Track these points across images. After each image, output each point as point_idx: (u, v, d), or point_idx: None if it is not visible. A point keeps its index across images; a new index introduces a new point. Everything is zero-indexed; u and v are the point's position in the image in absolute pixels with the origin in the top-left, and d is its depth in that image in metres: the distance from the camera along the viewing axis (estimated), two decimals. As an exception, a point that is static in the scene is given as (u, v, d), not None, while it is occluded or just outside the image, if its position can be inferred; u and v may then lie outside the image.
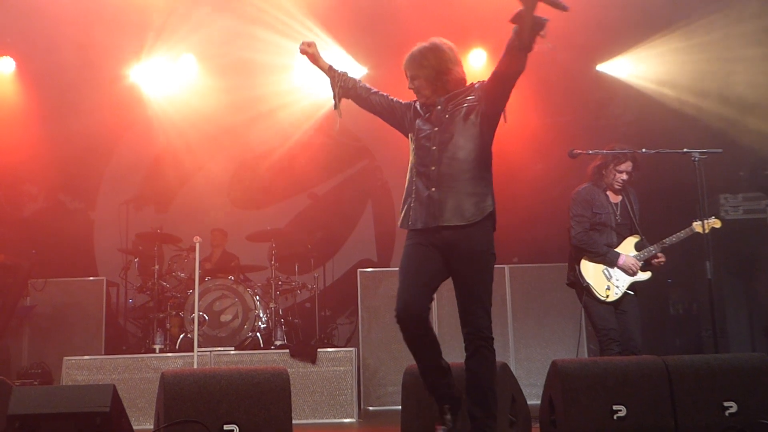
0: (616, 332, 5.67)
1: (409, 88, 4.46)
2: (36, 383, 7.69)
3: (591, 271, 5.81)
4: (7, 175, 9.34)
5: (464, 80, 4.48)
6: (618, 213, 5.91)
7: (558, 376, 4.31)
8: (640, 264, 5.77)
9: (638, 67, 8.84)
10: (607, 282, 5.76)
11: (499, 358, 7.82)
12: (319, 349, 7.37)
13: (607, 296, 5.74)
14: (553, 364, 4.43)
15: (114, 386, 3.54)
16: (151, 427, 6.03)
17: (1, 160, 8.99)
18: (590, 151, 5.85)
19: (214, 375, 3.89)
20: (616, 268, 5.77)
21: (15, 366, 7.96)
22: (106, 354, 8.15)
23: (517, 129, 9.02)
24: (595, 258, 5.83)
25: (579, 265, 5.85)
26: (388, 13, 8.54)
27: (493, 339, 4.31)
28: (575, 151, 5.76)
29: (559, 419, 4.26)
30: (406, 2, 8.45)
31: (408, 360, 7.72)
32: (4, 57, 9.16)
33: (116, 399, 3.55)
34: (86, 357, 7.45)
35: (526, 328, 8.52)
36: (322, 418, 7.10)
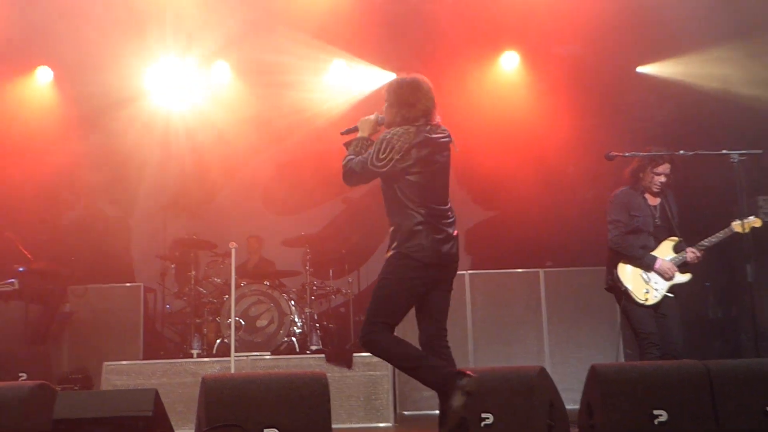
0: (656, 336, 5.60)
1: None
2: (76, 388, 7.80)
3: (629, 275, 5.76)
4: (47, 183, 9.48)
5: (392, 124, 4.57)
6: (657, 215, 5.85)
7: (597, 380, 4.28)
8: (676, 267, 5.71)
9: (682, 68, 8.76)
10: (646, 285, 5.71)
11: (534, 362, 7.90)
12: (354, 354, 7.38)
13: (646, 299, 5.68)
14: (592, 369, 4.40)
15: (156, 391, 3.59)
16: (190, 430, 6.10)
17: (41, 169, 9.11)
18: (627, 154, 5.80)
19: (254, 379, 3.92)
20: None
21: (56, 371, 8.06)
22: (144, 359, 8.24)
23: (550, 132, 9.01)
24: (632, 261, 5.78)
25: (617, 268, 5.79)
26: (418, 18, 8.55)
27: (367, 332, 4.41)
28: (612, 153, 5.72)
29: (598, 424, 4.22)
30: (437, 7, 8.46)
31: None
32: (42, 67, 9.32)
33: (158, 403, 3.59)
34: (125, 362, 7.52)
35: (561, 332, 8.45)
36: (359, 423, 7.10)
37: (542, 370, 4.55)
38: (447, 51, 8.90)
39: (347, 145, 4.68)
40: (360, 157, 4.52)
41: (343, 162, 4.59)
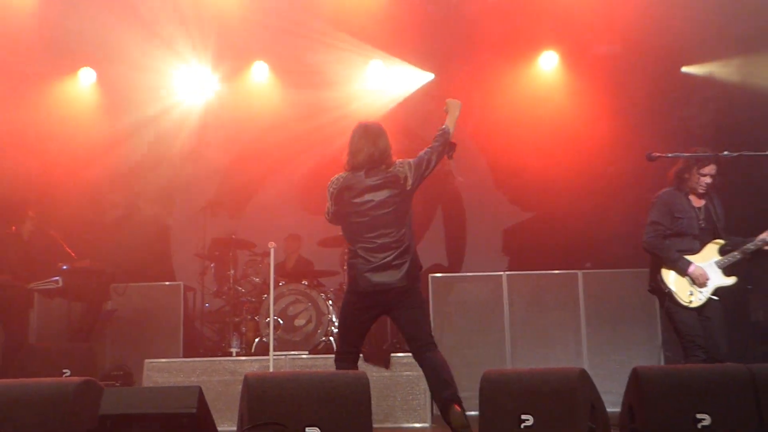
0: (701, 338, 5.52)
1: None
2: (118, 385, 7.91)
3: (673, 277, 5.68)
4: (91, 183, 9.62)
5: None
6: (701, 218, 5.75)
7: (639, 383, 4.23)
8: (721, 270, 5.62)
9: (730, 69, 8.64)
10: (690, 287, 5.63)
11: (572, 364, 7.85)
12: (392, 354, 7.39)
13: (690, 302, 5.60)
14: (634, 371, 4.35)
15: (200, 388, 3.62)
16: (229, 428, 6.17)
17: (85, 169, 9.26)
18: (669, 155, 5.71)
19: (296, 378, 3.95)
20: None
21: (98, 368, 8.17)
22: (183, 357, 8.34)
23: (589, 132, 8.94)
24: (666, 264, 5.70)
25: (661, 270, 5.72)
26: (457, 18, 8.54)
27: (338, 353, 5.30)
28: (653, 154, 5.63)
29: (640, 428, 4.18)
30: (475, 7, 8.44)
31: (481, 366, 7.74)
32: (85, 68, 9.47)
33: (202, 400, 3.63)
34: (166, 360, 7.63)
35: (600, 334, 8.40)
36: (396, 423, 7.11)
37: (583, 371, 4.50)
38: (485, 51, 8.90)
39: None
40: None
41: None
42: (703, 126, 8.68)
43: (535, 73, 9.44)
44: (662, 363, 8.02)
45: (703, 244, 5.73)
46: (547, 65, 9.36)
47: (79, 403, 3.82)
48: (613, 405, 4.78)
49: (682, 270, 5.63)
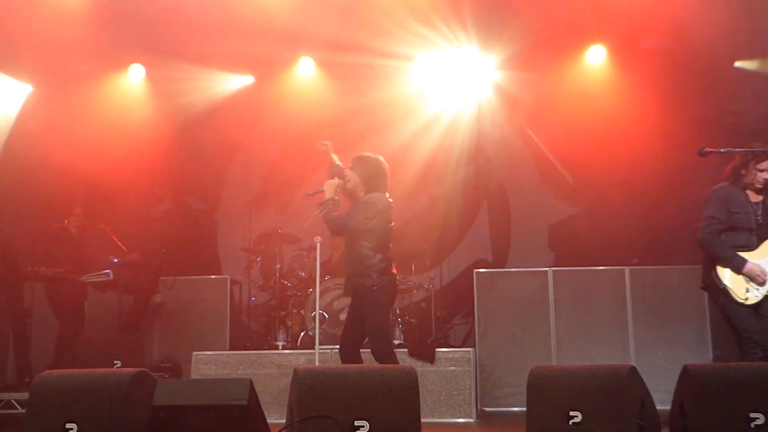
0: (759, 335, 5.38)
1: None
2: (166, 376, 8.03)
3: (729, 273, 5.56)
4: (138, 177, 9.77)
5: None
6: (759, 213, 5.60)
7: (690, 381, 4.18)
8: None
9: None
10: (747, 284, 5.50)
11: (618, 361, 7.77)
12: (436, 349, 7.40)
13: (746, 299, 5.47)
14: (685, 369, 4.30)
15: (251, 381, 3.66)
16: (275, 420, 6.22)
17: (133, 164, 9.40)
18: (722, 150, 5.56)
19: (345, 372, 3.97)
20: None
21: (147, 359, 8.31)
22: (230, 350, 8.44)
23: (638, 127, 8.83)
24: (721, 262, 5.58)
25: (716, 267, 5.60)
26: (505, 12, 8.49)
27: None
28: (706, 149, 5.50)
29: (692, 426, 4.12)
30: (523, 1, 8.38)
31: (527, 362, 7.73)
32: (135, 65, 9.61)
33: (253, 393, 3.67)
34: (213, 352, 7.73)
35: (647, 331, 8.30)
36: (441, 418, 7.13)
37: (633, 368, 4.45)
38: (533, 45, 8.83)
39: (319, 204, 5.75)
40: (340, 216, 5.75)
41: (328, 219, 5.72)
42: (757, 120, 8.50)
43: (582, 68, 9.34)
44: (711, 361, 7.89)
45: (760, 240, 5.58)
46: (595, 59, 9.26)
47: (133, 394, 3.89)
48: (660, 403, 4.70)
49: (737, 268, 5.51)
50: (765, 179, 5.57)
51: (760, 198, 5.64)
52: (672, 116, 8.66)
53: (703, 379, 4.15)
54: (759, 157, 5.53)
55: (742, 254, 5.53)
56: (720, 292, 5.54)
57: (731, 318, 5.53)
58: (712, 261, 5.63)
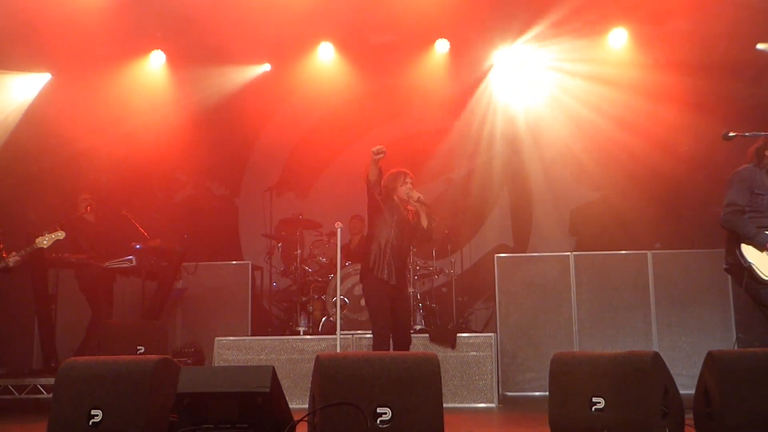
0: None
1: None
2: (189, 362, 8.10)
3: (753, 251, 5.50)
4: (161, 164, 9.81)
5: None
6: None
7: (715, 367, 4.14)
8: None
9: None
10: None
11: (641, 346, 7.74)
12: (458, 334, 7.38)
13: None
14: (710, 355, 4.26)
15: (273, 368, 3.67)
16: (297, 405, 6.24)
17: (155, 151, 9.44)
18: (747, 134, 5.51)
19: (367, 359, 3.96)
20: None
21: (170, 345, 8.37)
22: (252, 335, 8.48)
23: (661, 110, 8.74)
24: (745, 240, 5.53)
25: (740, 246, 5.54)
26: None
27: None
28: (730, 133, 5.45)
29: (716, 411, 4.09)
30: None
31: (548, 347, 7.72)
32: (156, 51, 9.62)
33: (275, 380, 3.68)
34: (235, 338, 7.76)
35: (670, 315, 8.25)
36: (462, 403, 7.11)
37: (656, 354, 4.41)
38: (554, 28, 8.75)
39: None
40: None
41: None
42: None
43: (604, 51, 9.23)
44: (735, 345, 7.82)
45: None
46: (617, 43, 9.14)
47: (157, 381, 3.92)
48: (683, 387, 4.67)
49: (761, 245, 5.46)
50: None
51: None
52: (695, 100, 8.56)
53: (727, 365, 4.11)
54: None
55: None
56: (745, 271, 5.49)
57: (758, 297, 5.49)
58: (735, 241, 5.58)
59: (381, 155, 6.10)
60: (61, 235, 6.68)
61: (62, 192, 9.21)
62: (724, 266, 5.73)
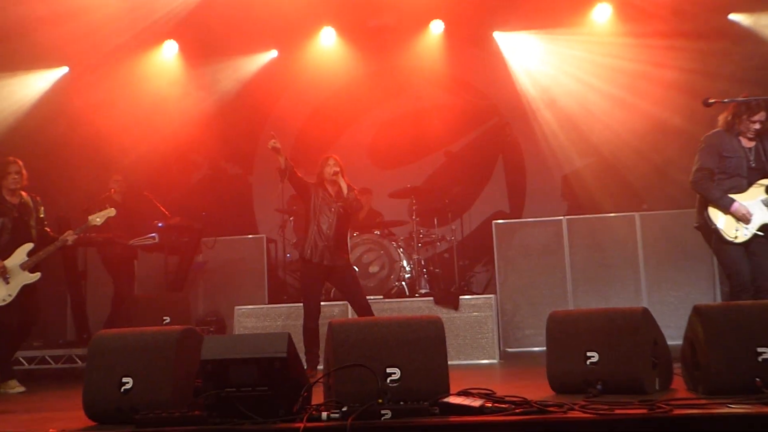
0: (746, 277, 5.37)
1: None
2: (212, 330, 8.16)
3: (720, 214, 5.50)
4: (178, 146, 9.79)
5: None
6: (751, 158, 5.52)
7: (700, 320, 4.14)
8: (761, 209, 5.40)
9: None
10: (736, 224, 5.45)
11: (631, 303, 7.76)
12: (460, 296, 7.41)
13: (736, 237, 5.42)
14: (695, 309, 4.26)
15: (289, 334, 3.67)
16: (311, 368, 6.28)
17: (172, 134, 9.41)
18: (726, 100, 5.49)
19: (377, 324, 3.98)
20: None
21: (193, 314, 8.43)
22: (269, 303, 8.52)
23: (645, 79, 8.68)
24: (711, 203, 5.51)
25: (708, 208, 5.55)
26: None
27: None
28: (710, 100, 5.40)
29: (702, 361, 4.10)
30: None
31: (545, 306, 7.74)
32: (169, 41, 9.56)
33: (291, 345, 3.69)
34: (253, 306, 7.80)
35: (658, 272, 8.25)
36: (467, 360, 7.17)
37: (645, 310, 4.43)
38: (538, 5, 8.66)
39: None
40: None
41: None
42: (758, 68, 8.29)
43: (589, 25, 9.15)
44: (719, 298, 7.84)
45: (750, 184, 5.51)
46: (601, 18, 9.06)
47: (182, 349, 3.95)
48: (671, 339, 4.69)
49: (725, 208, 5.44)
50: (756, 129, 5.48)
51: (753, 143, 5.55)
52: (679, 67, 8.48)
53: (711, 318, 4.11)
54: (752, 110, 5.43)
55: (733, 195, 5.46)
56: (712, 233, 5.50)
57: (721, 259, 5.54)
58: (704, 203, 5.58)
59: (272, 146, 6.34)
60: (112, 212, 6.63)
61: (87, 176, 9.20)
62: (695, 225, 5.74)
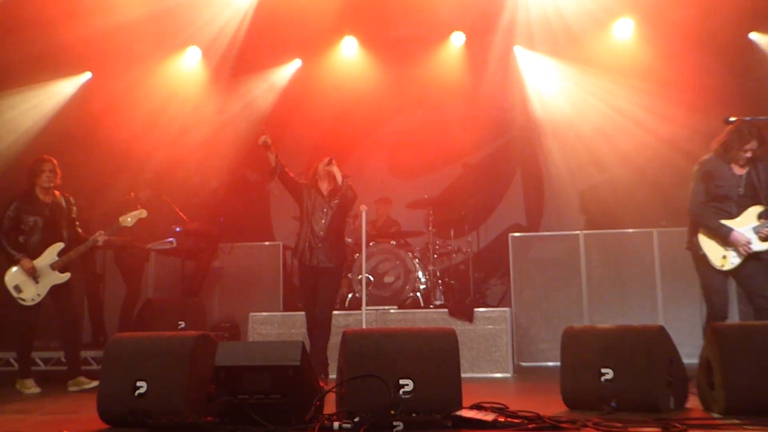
0: (719, 308, 5.40)
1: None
2: (226, 335, 8.16)
3: (707, 240, 5.47)
4: (198, 152, 9.85)
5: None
6: (742, 186, 5.47)
7: (717, 339, 4.11)
8: (752, 237, 5.35)
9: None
10: (724, 252, 5.41)
11: (647, 320, 7.68)
12: (475, 309, 7.38)
13: (722, 265, 5.39)
14: (712, 328, 4.22)
15: (303, 343, 3.69)
16: (323, 377, 6.28)
17: (193, 140, 9.47)
18: (747, 118, 5.44)
19: (390, 334, 3.98)
20: None
21: (208, 320, 8.45)
22: (283, 311, 8.52)
23: (665, 95, 8.64)
24: (708, 232, 5.48)
25: (698, 234, 5.52)
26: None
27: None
28: (730, 117, 5.38)
29: (718, 381, 4.06)
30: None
31: (560, 320, 7.69)
32: (192, 47, 9.62)
33: (305, 353, 3.70)
34: (268, 313, 7.82)
35: (675, 289, 8.16)
36: (480, 373, 7.13)
37: (661, 328, 4.39)
38: (564, 20, 8.65)
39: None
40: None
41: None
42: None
43: (609, 41, 9.12)
44: (736, 318, 7.75)
45: (740, 209, 5.46)
46: (622, 34, 9.02)
47: (197, 355, 3.97)
48: (687, 357, 4.65)
49: (724, 237, 5.40)
50: (747, 157, 5.44)
51: (744, 170, 5.51)
52: (697, 85, 8.43)
53: (728, 337, 4.08)
54: (744, 139, 5.39)
55: (726, 222, 5.44)
56: (699, 258, 5.48)
57: (703, 283, 5.57)
58: (695, 227, 5.56)
59: (263, 142, 6.31)
60: (143, 213, 6.66)
61: (107, 180, 9.26)
62: (686, 245, 5.70)
